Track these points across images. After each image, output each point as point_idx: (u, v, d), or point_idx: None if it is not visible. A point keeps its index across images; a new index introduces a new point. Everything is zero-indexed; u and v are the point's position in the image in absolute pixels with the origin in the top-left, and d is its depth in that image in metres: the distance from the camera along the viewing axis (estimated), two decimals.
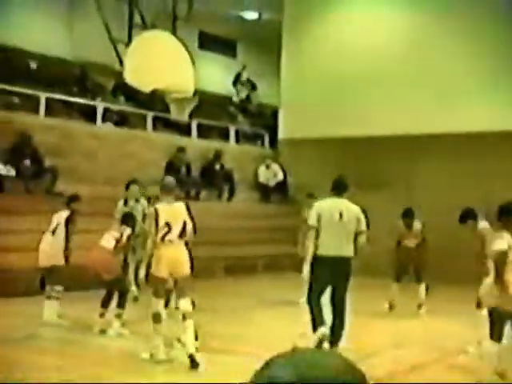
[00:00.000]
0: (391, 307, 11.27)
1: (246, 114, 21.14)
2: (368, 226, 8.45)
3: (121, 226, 9.29)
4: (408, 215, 11.32)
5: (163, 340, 7.70)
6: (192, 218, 7.97)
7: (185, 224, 7.65)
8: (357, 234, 8.12)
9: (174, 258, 7.62)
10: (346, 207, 8.15)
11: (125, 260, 9.19)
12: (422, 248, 11.28)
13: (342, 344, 8.03)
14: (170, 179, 8.18)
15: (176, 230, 7.60)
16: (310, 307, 8.14)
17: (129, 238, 9.14)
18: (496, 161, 15.36)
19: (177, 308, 8.07)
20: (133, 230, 9.23)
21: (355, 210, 8.20)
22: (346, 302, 8.20)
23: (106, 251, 8.97)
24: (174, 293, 8.15)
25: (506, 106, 15.52)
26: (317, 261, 8.04)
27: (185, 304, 7.62)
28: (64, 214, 9.70)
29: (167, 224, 7.58)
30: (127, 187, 11.60)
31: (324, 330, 7.90)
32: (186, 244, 7.87)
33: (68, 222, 9.65)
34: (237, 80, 21.60)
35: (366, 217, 8.41)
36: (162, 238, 7.61)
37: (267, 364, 1.29)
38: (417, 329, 10.30)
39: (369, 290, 13.98)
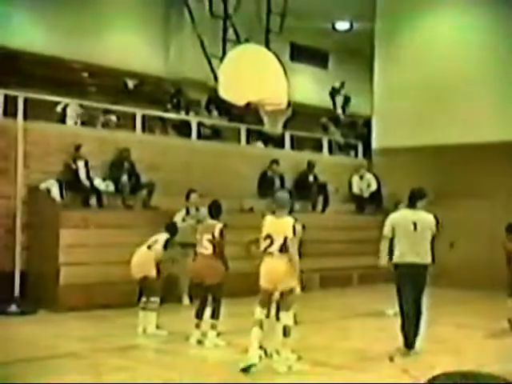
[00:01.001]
0: (510, 322, 10.58)
1: (339, 124, 21.03)
2: (437, 228, 9.00)
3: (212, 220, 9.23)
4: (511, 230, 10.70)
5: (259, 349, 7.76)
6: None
7: (285, 239, 7.65)
8: (433, 241, 8.78)
9: (273, 270, 7.68)
10: (420, 217, 8.74)
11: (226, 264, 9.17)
12: None
13: (416, 350, 8.59)
14: (284, 195, 8.17)
15: (277, 243, 7.65)
16: (401, 314, 8.71)
17: (221, 232, 9.00)
18: None
19: (277, 319, 8.12)
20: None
21: (429, 219, 8.83)
22: (422, 309, 8.74)
23: (207, 257, 9.04)
24: (279, 304, 8.13)
25: None
26: (397, 268, 8.70)
27: (285, 317, 7.71)
28: (165, 235, 9.98)
29: (269, 236, 7.67)
30: (187, 196, 12.00)
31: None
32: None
33: (167, 241, 9.91)
34: (333, 94, 21.59)
35: (437, 221, 8.98)
36: (265, 250, 7.71)
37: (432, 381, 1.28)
38: None
39: (469, 303, 13.64)
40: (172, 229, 10.29)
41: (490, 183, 15.95)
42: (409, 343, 8.63)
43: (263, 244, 7.70)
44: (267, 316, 8.10)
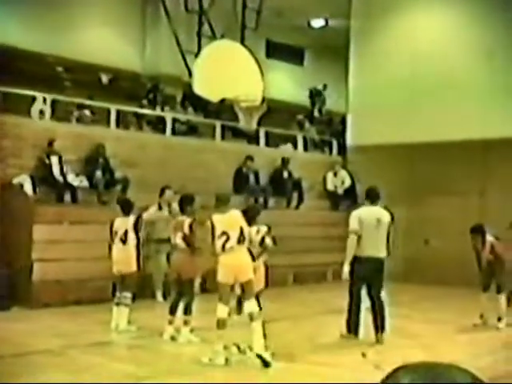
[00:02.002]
0: (482, 317, 10.70)
1: (314, 121, 21.09)
2: (392, 224, 9.51)
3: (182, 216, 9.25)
4: (476, 231, 10.71)
5: (226, 346, 7.88)
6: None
7: (242, 230, 7.83)
8: (388, 237, 9.24)
9: (236, 263, 7.83)
10: (381, 213, 9.31)
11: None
12: (498, 261, 10.63)
13: (386, 335, 9.05)
14: (225, 192, 8.39)
15: (234, 237, 7.80)
16: (350, 299, 9.25)
17: (190, 227, 9.01)
18: None
19: (239, 313, 8.17)
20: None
21: (387, 215, 9.34)
22: (382, 298, 9.20)
23: (183, 253, 9.05)
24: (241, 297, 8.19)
25: None
26: (358, 261, 9.10)
27: (251, 305, 7.79)
28: (129, 220, 9.88)
29: (224, 233, 7.77)
30: (162, 193, 12.14)
31: None
32: (249, 250, 8.04)
33: (136, 226, 9.83)
34: (313, 95, 21.64)
35: (392, 218, 9.53)
36: (223, 247, 7.82)
37: (393, 374, 1.31)
38: (495, 339, 9.99)
39: (443, 299, 13.77)
40: (127, 206, 10.09)
41: (463, 181, 16.10)
42: (352, 329, 9.24)
43: (219, 241, 7.80)
44: (239, 313, 8.15)
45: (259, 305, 7.99)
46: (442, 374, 1.31)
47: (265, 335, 7.81)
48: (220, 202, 8.19)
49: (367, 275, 9.14)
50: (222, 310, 7.79)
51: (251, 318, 7.72)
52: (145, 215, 11.83)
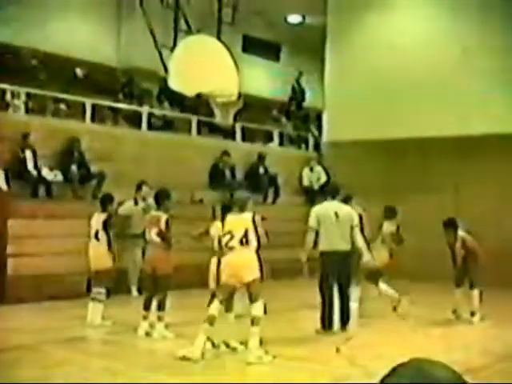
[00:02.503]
0: (455, 312, 10.80)
1: (292, 117, 21.12)
2: (361, 224, 9.97)
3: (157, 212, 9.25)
4: (449, 226, 10.73)
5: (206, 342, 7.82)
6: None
7: (246, 232, 7.81)
8: (352, 230, 9.44)
9: (236, 263, 7.83)
10: (339, 207, 9.61)
11: None
12: (471, 256, 10.72)
13: (352, 330, 9.30)
14: (242, 195, 8.34)
15: (237, 237, 7.81)
16: (321, 295, 9.46)
17: (167, 223, 9.01)
18: None
19: (226, 311, 8.17)
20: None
21: (347, 209, 9.69)
22: (349, 291, 9.59)
23: (158, 249, 9.04)
24: (247, 297, 8.15)
25: None
26: (323, 256, 9.45)
27: (257, 309, 7.81)
28: (101, 217, 9.85)
29: (229, 232, 7.85)
30: (138, 188, 12.15)
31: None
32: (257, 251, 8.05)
33: (106, 225, 9.80)
34: (295, 88, 21.66)
35: (361, 216, 10.00)
36: (226, 245, 7.87)
37: (387, 375, 1.33)
38: (468, 334, 10.12)
39: (419, 294, 13.87)
40: (107, 201, 10.11)
41: (438, 177, 16.21)
42: (326, 324, 9.40)
43: (224, 240, 7.87)
44: (227, 310, 8.17)
45: (265, 309, 7.99)
46: (433, 374, 1.34)
47: (261, 341, 7.78)
48: (239, 209, 8.06)
49: (333, 268, 9.36)
50: (215, 308, 7.78)
51: (253, 322, 7.71)
52: (120, 210, 11.81)
